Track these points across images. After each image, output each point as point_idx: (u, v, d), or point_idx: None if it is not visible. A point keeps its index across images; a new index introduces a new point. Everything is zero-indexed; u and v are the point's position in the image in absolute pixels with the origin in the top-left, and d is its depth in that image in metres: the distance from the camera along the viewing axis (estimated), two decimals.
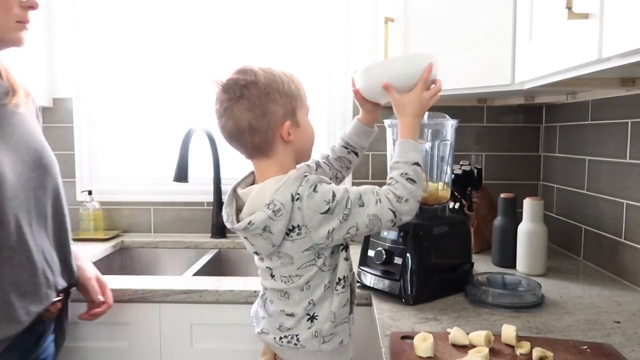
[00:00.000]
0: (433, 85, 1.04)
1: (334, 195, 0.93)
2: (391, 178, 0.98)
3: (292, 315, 1.01)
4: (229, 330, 1.35)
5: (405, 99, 1.01)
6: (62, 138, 2.00)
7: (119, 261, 1.89)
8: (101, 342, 1.37)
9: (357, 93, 1.10)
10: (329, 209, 0.92)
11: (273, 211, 0.92)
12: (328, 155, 1.18)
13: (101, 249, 1.78)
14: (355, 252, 1.41)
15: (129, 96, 2.04)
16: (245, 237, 1.00)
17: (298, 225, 0.94)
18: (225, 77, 1.01)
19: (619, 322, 1.08)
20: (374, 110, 1.14)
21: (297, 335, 1.00)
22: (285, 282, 1.00)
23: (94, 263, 1.69)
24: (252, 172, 1.07)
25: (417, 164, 0.98)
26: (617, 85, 1.19)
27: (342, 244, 1.00)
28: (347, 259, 1.02)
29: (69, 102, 2.00)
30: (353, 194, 0.95)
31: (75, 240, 1.87)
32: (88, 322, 1.34)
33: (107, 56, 2.02)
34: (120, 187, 2.03)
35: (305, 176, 0.96)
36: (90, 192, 1.95)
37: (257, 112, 0.96)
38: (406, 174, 0.97)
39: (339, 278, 1.00)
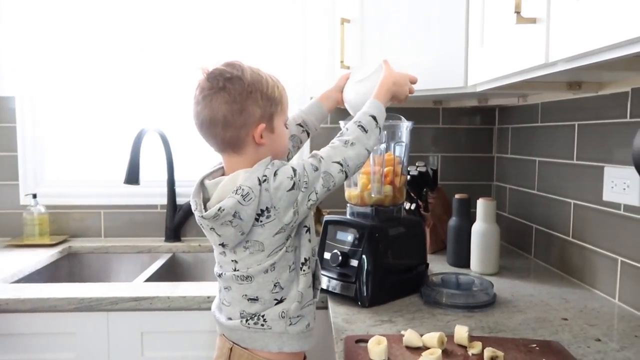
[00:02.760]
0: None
1: (294, 170, 0.93)
2: (345, 127, 1.03)
3: (255, 299, 0.98)
4: (182, 338, 1.30)
5: (397, 75, 1.13)
6: (4, 138, 1.89)
7: (66, 268, 1.81)
8: (46, 353, 1.30)
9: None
10: (293, 184, 0.93)
11: (242, 196, 0.91)
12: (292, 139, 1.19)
13: (46, 255, 1.70)
14: None
15: (78, 95, 1.96)
16: (212, 229, 0.97)
17: (267, 208, 0.93)
18: (213, 66, 0.98)
19: (566, 319, 1.11)
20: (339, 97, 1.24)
21: (263, 316, 0.98)
22: (248, 268, 0.98)
23: (39, 270, 1.62)
24: (221, 166, 1.04)
25: (373, 117, 1.02)
26: (564, 89, 1.23)
27: (305, 226, 1.01)
28: (310, 240, 1.02)
29: (10, 101, 1.90)
30: (307, 163, 0.96)
31: (19, 246, 1.80)
32: (31, 333, 1.28)
33: (54, 53, 1.93)
34: (68, 190, 1.94)
35: (272, 162, 0.96)
36: (35, 196, 1.85)
37: (235, 107, 0.94)
38: (359, 122, 1.01)
39: (304, 258, 1.00)
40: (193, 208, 1.00)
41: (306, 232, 1.01)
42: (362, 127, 1.01)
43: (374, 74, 1.17)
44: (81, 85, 1.95)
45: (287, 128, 1.05)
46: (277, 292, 0.98)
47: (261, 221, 0.93)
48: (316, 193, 0.95)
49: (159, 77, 1.95)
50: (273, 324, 0.98)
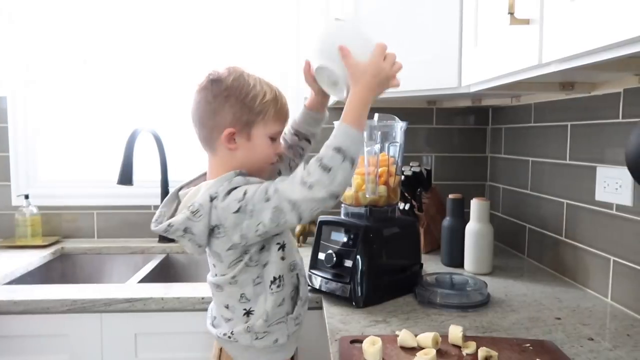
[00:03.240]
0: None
1: (244, 194, 0.91)
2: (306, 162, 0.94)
3: (227, 307, 1.01)
4: (176, 339, 1.30)
5: (364, 64, 0.91)
6: None
7: (59, 269, 1.80)
8: (39, 355, 1.28)
9: (307, 71, 1.02)
10: (239, 208, 0.90)
11: (192, 212, 0.92)
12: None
13: (39, 257, 1.69)
14: (306, 254, 1.40)
15: (71, 95, 1.94)
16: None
17: (217, 225, 0.93)
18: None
19: (559, 318, 1.12)
20: (323, 92, 1.08)
21: (231, 330, 1.00)
22: (216, 275, 1.01)
23: (31, 271, 1.61)
24: (201, 175, 1.06)
25: (338, 149, 0.87)
26: (557, 89, 1.23)
27: (278, 243, 0.99)
28: (283, 258, 1.00)
29: (2, 101, 1.88)
30: (260, 189, 0.91)
31: (11, 247, 1.78)
32: (23, 335, 1.27)
33: (47, 53, 1.91)
34: (61, 190, 1.93)
35: (234, 178, 0.94)
36: (27, 196, 1.84)
37: (209, 108, 0.97)
38: (321, 158, 0.88)
39: (273, 277, 0.98)
40: (153, 219, 1.00)
41: (279, 249, 0.99)
42: (323, 166, 0.87)
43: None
44: (74, 85, 1.94)
45: (274, 140, 1.01)
46: (244, 303, 0.99)
47: (216, 235, 0.94)
48: (264, 225, 0.90)
49: (153, 77, 1.94)
50: (239, 337, 1.00)
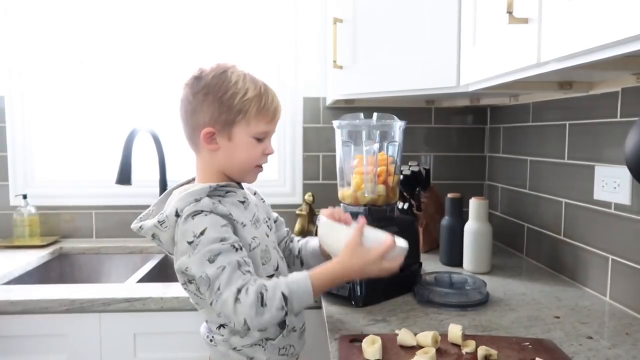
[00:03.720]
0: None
1: (202, 233, 0.88)
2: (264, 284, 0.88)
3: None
4: (175, 339, 1.30)
5: (358, 255, 0.94)
6: None
7: (57, 269, 1.79)
8: (37, 355, 1.28)
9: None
10: (191, 242, 0.88)
11: (159, 221, 0.92)
12: (290, 243, 1.17)
13: (37, 257, 1.68)
14: None
15: (68, 94, 1.94)
16: None
17: (175, 242, 0.92)
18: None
19: (558, 317, 1.12)
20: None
21: (212, 334, 1.00)
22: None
23: (29, 272, 1.61)
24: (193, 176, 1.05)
25: (285, 298, 0.86)
26: (555, 88, 1.24)
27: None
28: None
29: (0, 101, 1.87)
30: (215, 245, 0.87)
31: (9, 247, 1.78)
32: (22, 335, 1.27)
33: (45, 52, 1.91)
34: (59, 190, 1.92)
35: (200, 199, 0.91)
36: (25, 196, 1.84)
37: (190, 107, 0.96)
38: (266, 290, 0.86)
39: None
40: (141, 215, 1.01)
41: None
42: (262, 297, 0.85)
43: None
44: (72, 84, 1.93)
45: (260, 141, 0.97)
46: (218, 318, 0.96)
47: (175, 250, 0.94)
48: (198, 288, 0.90)
49: (151, 76, 1.94)
50: (218, 343, 0.99)
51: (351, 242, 0.95)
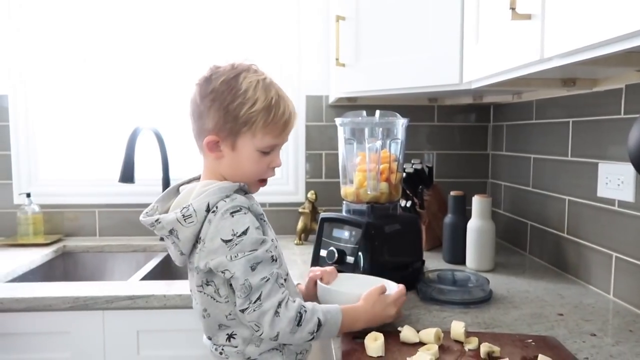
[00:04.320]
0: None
1: (245, 232, 0.85)
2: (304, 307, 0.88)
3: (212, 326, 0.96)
4: (178, 336, 1.30)
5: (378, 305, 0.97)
6: None
7: (61, 267, 1.80)
8: (41, 353, 1.29)
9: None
10: (230, 240, 0.84)
11: (183, 215, 0.86)
12: None
13: (41, 255, 1.69)
14: (307, 252, 1.40)
15: (72, 93, 1.94)
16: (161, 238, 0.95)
17: (202, 239, 0.87)
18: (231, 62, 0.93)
19: (562, 314, 1.12)
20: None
21: (222, 347, 0.95)
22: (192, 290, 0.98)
23: (33, 270, 1.61)
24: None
25: (319, 324, 0.87)
26: (559, 86, 1.23)
27: None
28: None
29: (3, 99, 1.88)
30: (262, 254, 0.86)
31: (13, 245, 1.78)
32: (26, 332, 1.27)
33: (48, 51, 1.91)
34: (62, 189, 1.93)
35: (233, 194, 0.88)
36: (28, 195, 1.84)
37: (197, 110, 0.91)
38: (306, 311, 0.87)
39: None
40: (145, 210, 0.96)
41: None
42: (301, 317, 0.86)
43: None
44: (75, 83, 1.94)
45: (266, 154, 0.93)
46: (224, 329, 0.93)
47: (197, 247, 0.88)
48: (230, 274, 0.85)
49: (154, 74, 1.94)
50: (230, 353, 0.94)
51: (374, 291, 0.98)
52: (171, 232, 0.88)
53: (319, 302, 0.98)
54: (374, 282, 1.06)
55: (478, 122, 1.99)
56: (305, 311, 0.87)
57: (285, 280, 0.94)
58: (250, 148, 0.91)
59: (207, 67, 0.93)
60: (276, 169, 0.98)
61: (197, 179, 1.01)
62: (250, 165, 0.92)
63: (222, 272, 0.86)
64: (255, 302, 0.84)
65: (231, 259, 0.84)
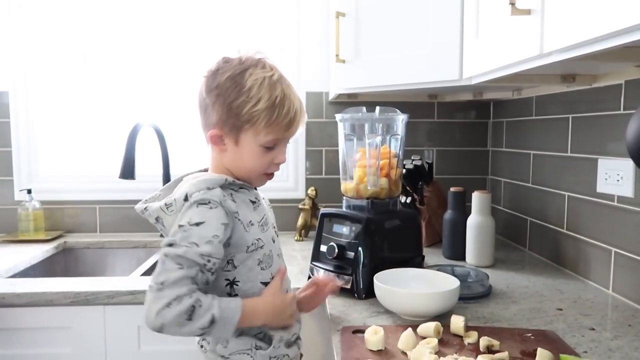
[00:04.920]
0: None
1: (197, 224, 0.83)
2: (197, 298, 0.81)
3: None
4: None
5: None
6: None
7: (61, 263, 1.80)
8: (42, 348, 1.29)
9: None
10: (182, 226, 0.83)
11: (166, 204, 0.88)
12: None
13: (42, 251, 1.69)
14: (307, 248, 1.41)
15: (72, 90, 1.95)
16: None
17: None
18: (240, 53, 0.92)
19: (561, 309, 1.12)
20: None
21: (202, 341, 0.97)
22: None
23: (34, 265, 1.62)
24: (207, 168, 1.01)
25: (213, 321, 0.81)
26: (558, 82, 1.24)
27: (227, 279, 0.90)
28: (230, 294, 0.90)
29: (4, 96, 1.88)
30: (197, 256, 0.81)
31: (13, 242, 1.79)
32: (27, 327, 1.28)
33: (48, 47, 1.92)
34: (63, 185, 1.93)
35: (212, 188, 0.87)
36: (29, 191, 1.84)
37: (203, 103, 0.92)
38: (200, 305, 0.80)
39: None
40: (148, 196, 0.96)
41: (227, 285, 0.90)
42: (191, 311, 0.79)
43: None
44: (76, 79, 1.94)
45: (269, 149, 0.92)
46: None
47: None
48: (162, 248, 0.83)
49: (154, 71, 1.94)
50: (207, 349, 0.94)
51: (275, 284, 0.93)
52: (157, 219, 0.90)
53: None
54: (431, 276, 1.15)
55: (478, 119, 1.99)
56: (200, 306, 0.80)
57: (267, 283, 0.93)
58: (253, 144, 0.90)
59: (217, 59, 0.92)
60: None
61: (205, 170, 1.00)
62: (253, 161, 0.92)
63: (162, 248, 0.84)
64: (157, 282, 0.80)
65: (172, 244, 0.82)
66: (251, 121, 0.88)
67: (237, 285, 0.90)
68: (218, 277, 0.89)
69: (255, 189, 0.98)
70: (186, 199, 0.86)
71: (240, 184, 0.93)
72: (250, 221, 0.91)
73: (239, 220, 0.89)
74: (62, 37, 1.92)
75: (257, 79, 0.88)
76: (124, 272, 1.79)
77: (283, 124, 0.90)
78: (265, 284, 0.92)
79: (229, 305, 0.85)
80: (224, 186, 0.90)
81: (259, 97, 0.87)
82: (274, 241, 0.97)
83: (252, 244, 0.90)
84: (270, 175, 0.97)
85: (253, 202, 0.94)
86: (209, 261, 0.82)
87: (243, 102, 0.87)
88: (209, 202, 0.85)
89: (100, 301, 1.27)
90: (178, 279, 0.80)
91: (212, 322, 0.81)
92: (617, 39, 0.70)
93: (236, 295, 0.90)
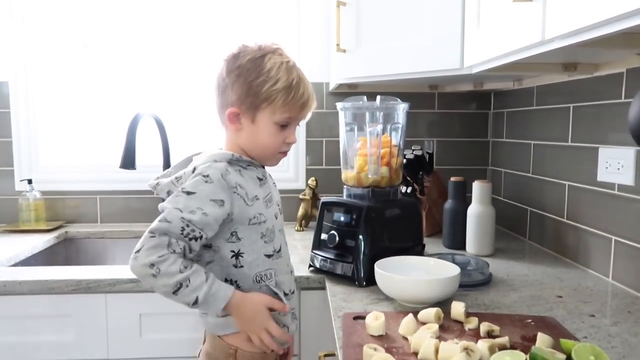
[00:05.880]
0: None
1: (188, 193, 0.91)
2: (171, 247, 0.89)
3: None
4: (180, 320, 1.31)
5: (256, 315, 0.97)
6: None
7: (62, 253, 1.81)
8: (45, 335, 1.30)
9: None
10: (188, 192, 0.91)
11: (176, 177, 0.95)
12: None
13: (43, 240, 1.70)
14: (308, 237, 1.41)
15: (72, 79, 1.94)
16: None
17: None
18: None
19: (561, 296, 1.13)
20: None
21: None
22: None
23: (35, 255, 1.62)
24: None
25: (196, 301, 0.90)
26: (560, 71, 1.23)
27: (232, 250, 0.96)
28: (236, 266, 0.97)
29: (4, 86, 1.88)
30: (177, 219, 0.88)
31: (14, 231, 1.79)
32: (29, 315, 1.28)
33: (48, 37, 1.91)
34: (64, 175, 1.93)
35: (218, 161, 0.94)
36: (30, 181, 1.85)
37: (223, 84, 0.98)
38: (183, 277, 0.88)
39: (224, 279, 0.97)
40: (160, 174, 1.04)
41: (232, 257, 0.96)
42: (177, 289, 0.88)
43: None
44: (76, 69, 1.93)
45: (283, 127, 0.98)
46: None
47: None
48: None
49: (155, 61, 1.94)
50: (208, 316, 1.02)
51: (267, 300, 0.98)
52: (168, 193, 0.96)
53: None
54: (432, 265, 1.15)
55: (478, 110, 1.99)
56: (187, 286, 0.88)
57: (270, 256, 1.00)
58: (269, 122, 0.97)
59: (236, 45, 0.99)
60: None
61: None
62: (267, 138, 0.98)
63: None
64: (150, 232, 0.89)
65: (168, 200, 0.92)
66: (269, 99, 0.95)
67: (242, 256, 0.97)
68: (223, 249, 0.96)
69: (263, 167, 1.05)
70: (193, 171, 0.94)
71: (247, 161, 1.00)
72: (256, 196, 0.98)
73: (239, 194, 0.95)
74: (63, 27, 1.91)
75: (276, 62, 0.95)
76: (125, 262, 1.77)
77: (298, 105, 0.97)
78: (269, 256, 0.99)
79: (216, 293, 0.92)
80: (232, 162, 0.97)
81: (277, 78, 0.94)
82: (276, 217, 1.03)
83: (255, 217, 0.97)
84: (284, 154, 1.04)
85: (260, 179, 1.01)
86: (187, 226, 0.88)
87: (263, 81, 0.94)
88: (207, 176, 0.92)
89: (101, 289, 1.28)
90: (154, 244, 0.88)
91: (196, 302, 0.90)
92: (617, 24, 0.70)
93: (242, 267, 0.97)
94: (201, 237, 0.91)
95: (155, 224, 0.89)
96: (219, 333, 1.01)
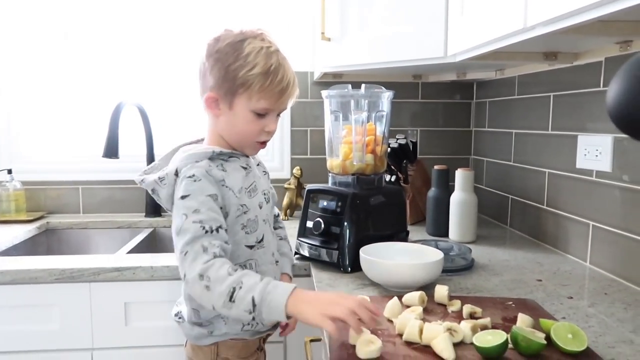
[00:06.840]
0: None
1: (182, 197, 0.91)
2: (235, 273, 0.84)
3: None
4: (166, 308, 1.30)
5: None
6: None
7: (44, 244, 1.79)
8: (29, 325, 1.28)
9: None
10: (174, 204, 0.93)
11: (159, 177, 0.95)
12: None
13: (24, 231, 1.67)
14: (293, 226, 1.42)
15: (53, 69, 1.91)
16: None
17: (174, 201, 0.95)
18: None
19: (540, 280, 1.15)
20: None
21: (180, 311, 1.05)
22: None
23: (16, 245, 1.60)
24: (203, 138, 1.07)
25: (253, 301, 0.81)
26: (541, 60, 1.26)
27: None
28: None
29: None
30: (188, 223, 0.88)
31: None
32: (12, 305, 1.27)
33: (28, 26, 1.87)
34: (45, 165, 1.91)
35: (199, 161, 0.94)
36: (10, 171, 1.82)
37: (202, 68, 0.97)
38: (238, 285, 0.82)
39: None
40: (147, 167, 1.04)
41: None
42: (231, 293, 0.82)
43: None
44: (56, 58, 1.90)
45: (261, 116, 0.96)
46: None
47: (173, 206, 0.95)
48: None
49: (138, 50, 1.91)
50: (185, 320, 1.03)
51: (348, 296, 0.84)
52: (153, 191, 0.97)
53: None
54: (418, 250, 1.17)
55: (461, 99, 2.02)
56: (241, 287, 0.82)
57: (252, 247, 0.99)
58: (245, 109, 0.95)
59: (220, 29, 0.97)
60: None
61: (201, 141, 1.06)
62: (244, 126, 0.96)
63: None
64: (184, 265, 0.87)
65: (173, 217, 0.93)
66: (245, 85, 0.92)
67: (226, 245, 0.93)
68: None
69: (247, 156, 1.03)
70: (176, 174, 0.94)
71: (229, 152, 0.98)
72: (241, 187, 0.97)
73: (227, 187, 0.95)
74: (43, 16, 1.87)
75: (255, 47, 0.93)
76: (108, 252, 1.78)
77: (275, 92, 0.94)
78: (250, 247, 0.99)
79: (274, 289, 0.82)
80: (213, 157, 0.96)
81: (254, 63, 0.92)
82: (260, 207, 1.02)
83: (238, 209, 0.96)
84: (263, 144, 1.02)
85: (245, 169, 1.00)
86: (202, 223, 0.88)
87: (240, 66, 0.92)
88: (193, 176, 0.92)
89: (85, 278, 1.27)
90: (191, 239, 0.87)
91: (253, 305, 0.81)
92: (593, 12, 0.72)
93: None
94: (220, 226, 0.90)
95: (178, 244, 0.88)
96: (198, 344, 1.02)
